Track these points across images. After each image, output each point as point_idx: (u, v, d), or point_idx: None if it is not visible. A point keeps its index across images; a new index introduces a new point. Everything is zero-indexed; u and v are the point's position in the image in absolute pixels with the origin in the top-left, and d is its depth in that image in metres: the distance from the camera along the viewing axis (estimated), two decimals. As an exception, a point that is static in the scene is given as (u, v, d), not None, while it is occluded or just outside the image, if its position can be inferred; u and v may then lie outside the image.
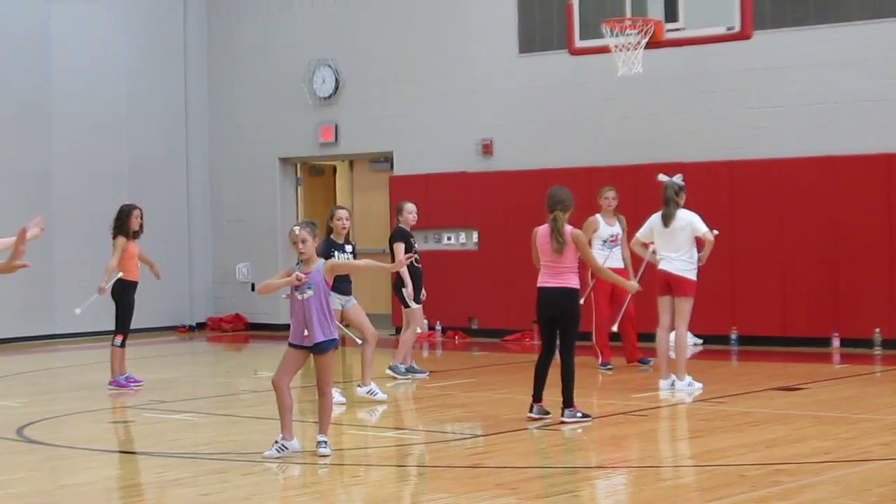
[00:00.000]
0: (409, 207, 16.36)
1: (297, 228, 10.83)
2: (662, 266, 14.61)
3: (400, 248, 15.93)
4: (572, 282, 12.46)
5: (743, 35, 16.30)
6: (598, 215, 16.59)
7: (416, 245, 16.12)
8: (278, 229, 23.75)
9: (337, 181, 25.37)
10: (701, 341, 19.17)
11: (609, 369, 16.47)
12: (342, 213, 14.20)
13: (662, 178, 14.76)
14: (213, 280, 25.06)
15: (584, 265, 12.96)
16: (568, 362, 12.45)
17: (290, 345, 10.84)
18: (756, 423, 12.37)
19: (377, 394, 14.24)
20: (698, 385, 14.57)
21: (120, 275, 15.82)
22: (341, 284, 13.61)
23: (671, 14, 16.45)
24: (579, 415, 12.40)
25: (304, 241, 10.74)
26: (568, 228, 12.46)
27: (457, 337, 21.52)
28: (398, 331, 17.71)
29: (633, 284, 13.86)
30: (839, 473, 9.95)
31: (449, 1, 22.39)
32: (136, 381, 15.97)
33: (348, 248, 14.12)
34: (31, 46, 22.72)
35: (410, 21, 22.70)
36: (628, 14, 16.46)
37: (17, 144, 22.50)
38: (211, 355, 22.22)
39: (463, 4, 22.20)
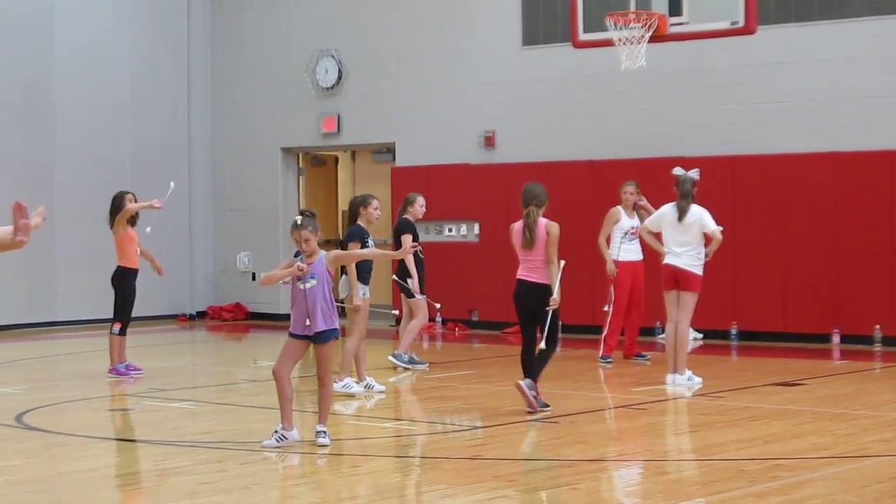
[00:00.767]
0: (421, 201, 16.44)
1: (299, 226, 10.76)
2: (669, 260, 14.61)
3: (407, 239, 15.95)
4: (545, 276, 12.46)
5: (747, 30, 16.29)
6: (619, 207, 16.64)
7: (418, 237, 16.16)
8: (280, 219, 23.76)
9: (339, 172, 25.36)
10: (701, 336, 19.17)
11: (609, 363, 16.47)
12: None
13: (678, 171, 14.75)
14: (214, 269, 25.06)
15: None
16: (548, 348, 12.47)
17: (291, 334, 10.84)
18: (755, 418, 12.37)
19: (374, 386, 14.22)
20: (698, 379, 14.57)
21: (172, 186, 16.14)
22: (364, 274, 14.02)
23: (675, 8, 16.45)
24: (533, 393, 12.38)
25: (307, 241, 10.74)
26: (542, 222, 12.51)
27: (457, 329, 21.52)
28: (398, 322, 17.71)
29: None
30: (838, 469, 9.94)
31: (453, -7, 22.39)
32: (135, 370, 15.97)
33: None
34: (35, 35, 22.71)
35: (414, 12, 22.69)
36: (632, 8, 16.46)
37: (20, 133, 22.49)
38: (211, 344, 22.22)
39: (467, -4, 22.20)
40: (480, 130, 21.87)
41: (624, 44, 16.36)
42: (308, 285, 10.69)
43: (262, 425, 11.55)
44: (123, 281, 15.92)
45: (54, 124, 22.90)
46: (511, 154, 21.45)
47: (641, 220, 16.46)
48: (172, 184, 16.29)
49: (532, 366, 12.56)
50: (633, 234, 16.38)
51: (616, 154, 20.21)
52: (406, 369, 16.10)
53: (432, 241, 21.27)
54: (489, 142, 21.78)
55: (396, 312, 15.04)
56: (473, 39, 21.97)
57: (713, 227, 14.44)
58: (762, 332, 19.13)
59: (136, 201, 16.04)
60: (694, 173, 14.75)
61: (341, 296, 13.87)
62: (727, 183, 19.23)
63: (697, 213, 14.51)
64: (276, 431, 10.81)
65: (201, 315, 24.78)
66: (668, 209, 14.74)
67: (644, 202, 16.59)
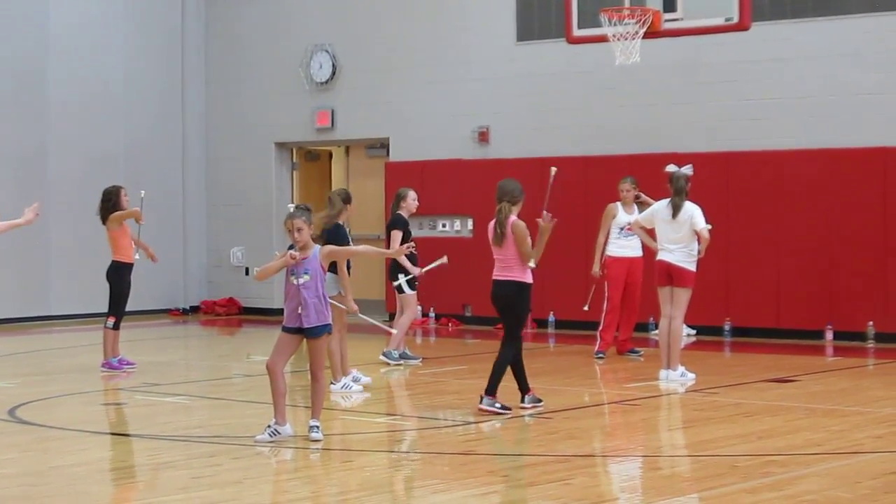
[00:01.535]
0: (413, 195, 16.38)
1: (293, 216, 10.79)
2: (662, 257, 14.63)
3: (397, 235, 15.94)
4: (518, 274, 12.32)
5: (741, 26, 16.29)
6: (617, 203, 16.65)
7: (411, 233, 16.13)
8: (273, 214, 23.74)
9: (333, 167, 25.34)
10: (695, 332, 19.18)
11: (601, 358, 16.49)
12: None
13: (671, 168, 14.76)
14: (208, 264, 25.04)
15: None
16: (503, 353, 12.37)
17: (284, 329, 10.84)
18: (748, 414, 12.39)
19: (360, 378, 14.17)
20: (691, 375, 14.59)
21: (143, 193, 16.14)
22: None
23: (669, 4, 16.44)
24: (498, 405, 12.32)
25: (300, 230, 10.74)
26: (511, 220, 12.38)
27: (450, 324, 21.52)
28: (391, 317, 17.70)
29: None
30: (831, 465, 9.96)
31: (447, -12, 22.38)
32: (129, 364, 15.96)
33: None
34: (28, 29, 22.66)
35: (408, 7, 22.67)
36: (626, 3, 16.46)
37: (13, 126, 22.45)
38: (204, 339, 22.21)
39: (461, -9, 22.19)
40: (474, 126, 21.86)
41: (618, 39, 16.35)
42: (302, 280, 10.69)
43: (256, 420, 11.56)
44: (118, 275, 15.91)
45: (48, 118, 22.86)
46: (505, 149, 21.44)
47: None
48: (143, 192, 16.24)
49: (521, 371, 12.50)
50: (629, 229, 16.39)
51: (610, 150, 20.22)
52: (398, 365, 16.10)
53: (426, 236, 21.26)
54: (483, 137, 21.77)
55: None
56: (467, 35, 21.96)
57: (702, 226, 14.45)
58: (755, 329, 19.14)
59: (128, 196, 16.00)
60: (687, 169, 14.76)
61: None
62: (721, 179, 19.23)
63: (690, 209, 14.53)
64: (269, 426, 10.81)
65: (195, 310, 24.76)
66: (662, 206, 14.75)
67: (644, 197, 16.59)
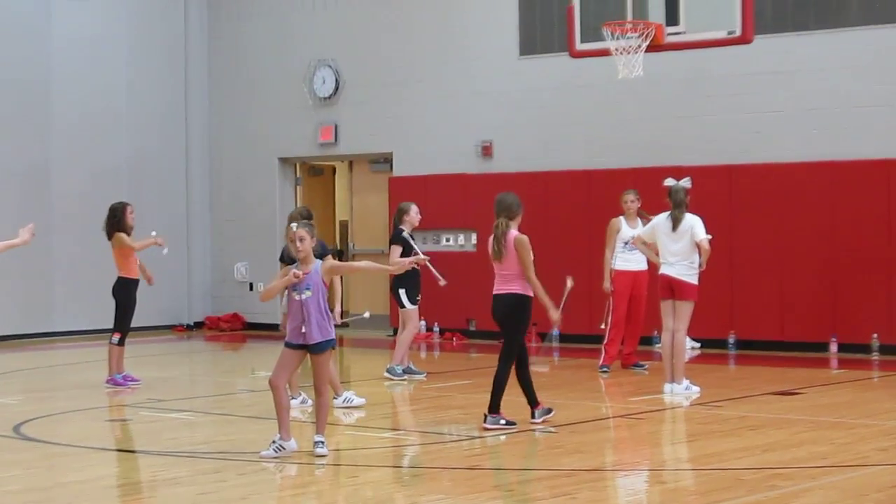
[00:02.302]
0: (415, 209, 16.36)
1: (294, 226, 10.81)
2: (664, 270, 14.65)
3: (396, 250, 15.95)
4: (518, 287, 12.31)
5: (744, 39, 16.29)
6: (620, 217, 16.64)
7: (416, 247, 16.05)
8: (277, 229, 23.72)
9: (336, 181, 25.37)
10: (699, 345, 19.16)
11: (605, 372, 16.48)
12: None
13: (670, 181, 14.77)
14: (212, 279, 25.05)
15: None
16: (500, 369, 12.33)
17: (287, 345, 10.84)
18: (753, 427, 12.37)
19: (353, 400, 14.05)
20: (696, 388, 14.58)
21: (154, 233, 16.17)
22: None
23: (672, 18, 16.45)
24: (503, 422, 12.29)
25: (301, 239, 10.72)
26: (512, 234, 12.37)
27: (454, 338, 21.52)
28: (395, 332, 17.69)
29: (553, 315, 12.49)
30: (836, 478, 9.95)
31: (450, 2, 22.39)
32: (133, 380, 15.96)
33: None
34: (31, 43, 22.71)
35: (411, 22, 22.70)
36: (629, 17, 16.46)
37: (17, 141, 22.49)
38: (208, 354, 22.21)
39: (464, 6, 22.20)
40: (478, 140, 21.87)
41: (621, 53, 16.36)
42: (304, 296, 10.68)
43: (260, 435, 11.55)
44: (124, 291, 15.93)
45: (51, 133, 22.90)
46: (508, 163, 21.45)
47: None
48: (165, 250, 16.42)
49: (529, 385, 12.49)
50: (633, 243, 16.38)
51: (613, 163, 20.22)
52: (402, 380, 16.09)
53: (430, 250, 21.17)
54: (486, 151, 21.78)
55: (368, 315, 15.04)
56: (470, 49, 21.98)
57: (701, 236, 14.45)
58: (760, 341, 19.12)
59: (134, 213, 16.04)
60: (686, 182, 14.77)
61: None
62: (724, 192, 19.24)
63: (690, 221, 14.53)
64: (274, 441, 10.81)
65: (199, 325, 24.77)
66: (662, 219, 14.76)
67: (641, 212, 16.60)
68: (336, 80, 23.41)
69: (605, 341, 16.71)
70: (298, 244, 10.71)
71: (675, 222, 14.55)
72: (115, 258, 15.95)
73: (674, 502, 9.28)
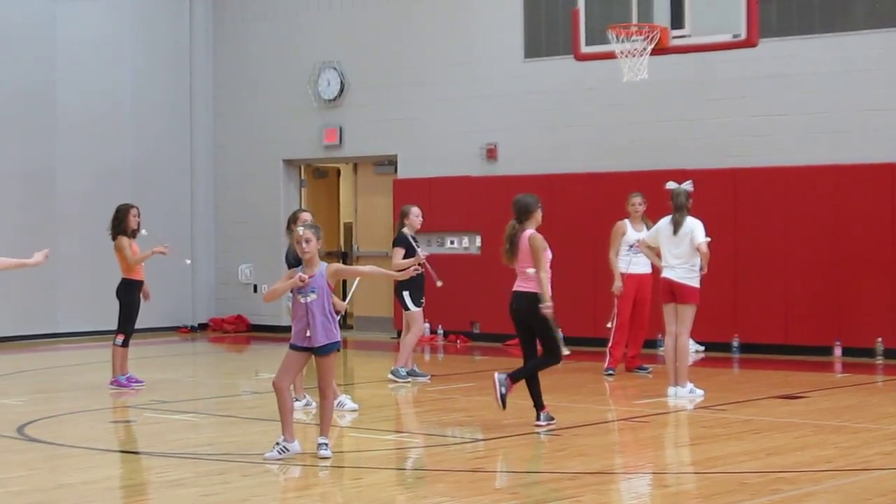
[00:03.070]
0: (416, 211, 16.37)
1: (301, 228, 10.82)
2: (666, 274, 14.65)
3: (398, 253, 15.96)
4: (534, 285, 12.40)
5: (749, 43, 16.30)
6: (625, 220, 16.63)
7: (419, 250, 16.06)
8: (281, 231, 23.64)
9: (341, 184, 25.38)
10: (703, 348, 19.16)
11: (611, 375, 16.48)
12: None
13: (671, 185, 14.77)
14: (216, 281, 25.06)
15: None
16: (545, 360, 12.55)
17: (292, 346, 10.83)
18: (757, 430, 12.37)
19: (346, 405, 13.97)
20: (700, 392, 14.57)
21: (165, 249, 16.08)
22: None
23: (677, 21, 16.46)
24: (503, 390, 12.42)
25: (307, 241, 10.71)
26: (526, 233, 12.45)
27: (458, 341, 21.51)
28: (399, 334, 17.69)
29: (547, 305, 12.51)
30: (840, 482, 9.94)
31: (455, 5, 22.39)
32: (137, 381, 15.96)
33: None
34: (36, 47, 22.73)
35: (416, 24, 22.71)
36: (634, 20, 16.46)
37: (22, 143, 22.50)
38: (212, 356, 22.22)
39: (469, 8, 22.20)
40: (482, 143, 21.88)
41: (626, 56, 16.36)
42: (309, 299, 10.68)
43: (264, 437, 11.55)
44: (128, 293, 15.93)
45: (56, 135, 22.91)
46: (513, 166, 21.45)
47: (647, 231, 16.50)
48: (188, 261, 16.46)
49: (536, 387, 12.52)
50: (638, 247, 16.37)
51: (618, 166, 20.22)
52: (406, 383, 16.08)
53: (434, 253, 21.17)
54: (491, 154, 21.79)
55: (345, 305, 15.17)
56: (475, 52, 21.98)
57: (700, 240, 14.45)
58: (764, 345, 19.12)
59: (139, 215, 16.04)
60: (687, 185, 14.77)
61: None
62: (729, 195, 19.24)
63: (690, 225, 14.53)
64: (277, 443, 10.80)
65: (203, 327, 24.77)
66: (664, 223, 14.76)
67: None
68: (341, 82, 23.41)
69: (609, 344, 16.70)
70: (304, 245, 10.71)
71: (676, 226, 14.56)
72: (118, 260, 15.96)
73: (677, 506, 9.28)
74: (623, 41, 16.38)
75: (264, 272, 23.65)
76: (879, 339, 18.29)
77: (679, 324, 14.59)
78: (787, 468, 10.42)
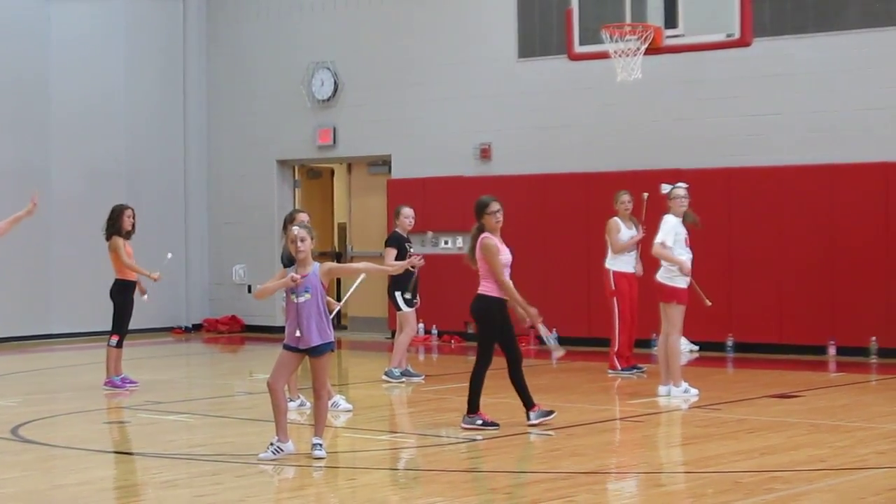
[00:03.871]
0: (407, 212, 16.38)
1: (295, 228, 10.81)
2: (656, 274, 14.65)
3: (391, 252, 15.98)
4: (483, 288, 12.58)
5: (742, 42, 16.31)
6: (616, 218, 16.61)
7: (411, 249, 16.09)
8: (275, 231, 23.70)
9: (335, 184, 25.37)
10: (697, 348, 19.17)
11: (641, 371, 16.42)
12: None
13: (666, 188, 14.75)
14: (210, 282, 25.04)
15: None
16: (473, 370, 12.52)
17: (286, 347, 10.83)
18: (751, 430, 12.37)
19: (340, 405, 13.94)
20: (694, 391, 14.58)
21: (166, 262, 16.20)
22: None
23: (671, 20, 16.46)
24: (479, 422, 12.35)
25: (302, 240, 10.71)
26: (481, 238, 12.60)
27: (452, 341, 21.51)
28: (393, 334, 17.69)
29: (531, 311, 12.70)
30: (834, 481, 9.94)
31: (448, 5, 22.39)
32: (131, 382, 15.95)
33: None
34: (30, 47, 22.72)
35: (410, 24, 22.70)
36: (628, 20, 16.46)
37: (14, 142, 22.49)
38: (207, 357, 22.20)
39: (462, 8, 22.20)
40: (476, 143, 21.87)
41: (619, 56, 16.36)
42: (302, 299, 10.67)
43: (258, 438, 11.55)
44: (122, 294, 15.92)
45: (49, 134, 22.89)
46: (507, 166, 21.45)
47: (638, 230, 16.47)
48: (169, 255, 16.43)
49: (522, 385, 12.51)
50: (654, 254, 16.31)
51: (612, 166, 20.22)
52: (400, 383, 16.08)
53: (428, 253, 21.20)
54: (485, 154, 21.78)
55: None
56: (469, 52, 21.98)
57: (655, 240, 14.44)
58: (758, 344, 19.12)
59: (134, 216, 16.02)
60: (680, 186, 14.73)
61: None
62: (723, 195, 19.24)
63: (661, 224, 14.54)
64: (272, 444, 10.80)
65: (197, 328, 24.76)
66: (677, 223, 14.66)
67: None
68: (335, 82, 23.40)
69: (614, 348, 16.62)
70: (299, 244, 10.71)
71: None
72: (112, 261, 15.94)
73: (671, 505, 9.28)
74: (617, 41, 16.37)
75: (258, 273, 23.61)
76: (873, 339, 18.30)
77: (663, 323, 14.60)
78: (782, 468, 10.42)
